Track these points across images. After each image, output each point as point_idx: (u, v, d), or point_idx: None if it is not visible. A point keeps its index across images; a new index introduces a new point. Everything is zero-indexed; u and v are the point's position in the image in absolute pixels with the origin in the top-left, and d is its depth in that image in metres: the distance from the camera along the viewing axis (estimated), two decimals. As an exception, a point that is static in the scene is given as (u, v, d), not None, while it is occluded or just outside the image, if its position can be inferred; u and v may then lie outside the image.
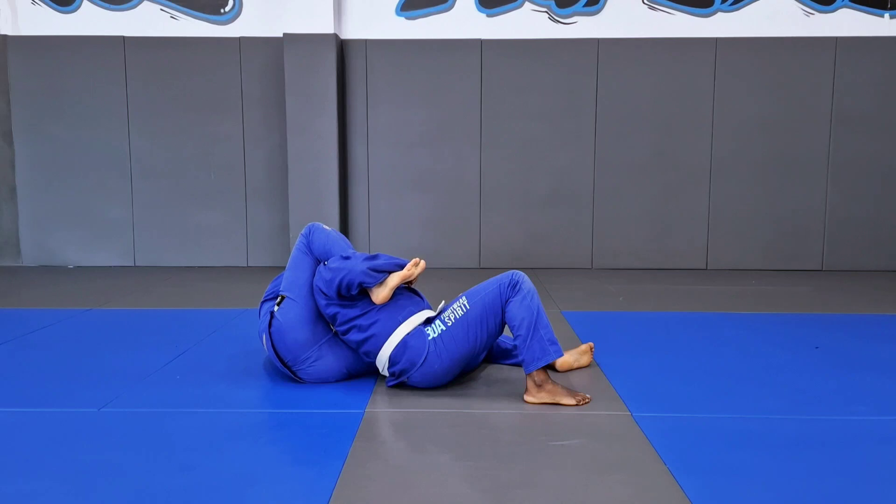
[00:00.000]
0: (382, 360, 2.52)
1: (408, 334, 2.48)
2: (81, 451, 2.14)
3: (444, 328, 2.45)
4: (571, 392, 2.50)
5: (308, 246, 2.66)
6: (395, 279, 2.49)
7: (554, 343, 2.46)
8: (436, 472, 2.00)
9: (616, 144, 5.91)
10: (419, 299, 2.62)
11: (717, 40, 5.81)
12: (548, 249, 6.01)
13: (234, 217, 6.05)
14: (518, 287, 2.44)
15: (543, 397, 2.48)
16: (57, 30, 5.89)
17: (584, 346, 2.96)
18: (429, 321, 2.52)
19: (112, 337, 3.50)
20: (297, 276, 2.63)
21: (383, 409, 2.46)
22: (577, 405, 2.47)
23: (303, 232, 2.70)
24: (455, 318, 2.45)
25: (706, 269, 5.99)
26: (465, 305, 2.44)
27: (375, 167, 5.99)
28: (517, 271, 2.52)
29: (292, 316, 2.57)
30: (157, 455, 2.11)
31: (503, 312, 2.45)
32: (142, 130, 5.97)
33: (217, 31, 5.89)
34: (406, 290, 2.62)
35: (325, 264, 2.55)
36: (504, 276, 2.48)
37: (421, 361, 2.47)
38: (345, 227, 6.00)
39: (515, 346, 2.57)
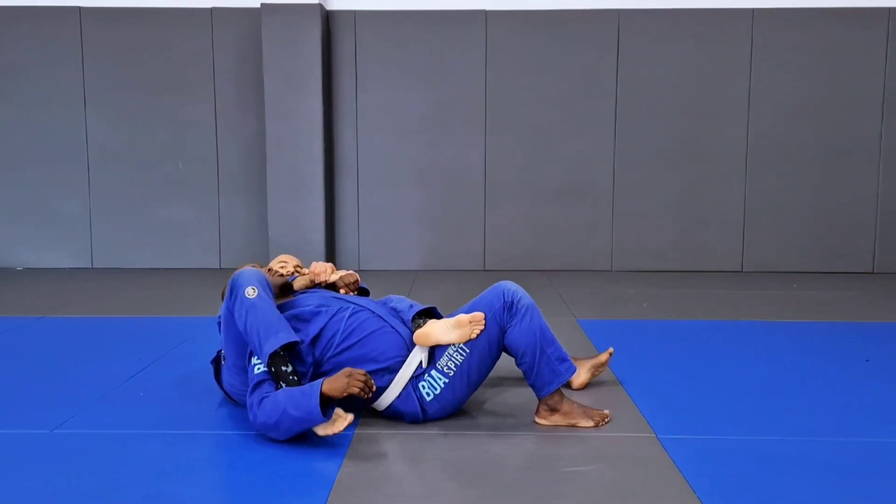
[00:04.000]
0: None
1: (397, 399, 2.47)
2: (31, 477, 2.13)
3: (446, 382, 2.44)
4: (589, 412, 2.50)
5: (230, 312, 2.48)
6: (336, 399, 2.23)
7: (564, 360, 2.46)
8: (435, 502, 2.00)
9: (639, 131, 5.92)
10: (390, 337, 2.48)
11: (754, 11, 5.82)
12: (561, 250, 6.02)
13: (205, 212, 6.06)
14: (514, 309, 2.42)
15: (557, 420, 2.48)
16: None
17: (602, 356, 2.95)
18: (422, 365, 2.45)
19: (67, 349, 3.49)
20: (230, 343, 2.56)
21: (374, 428, 2.46)
22: (595, 427, 2.48)
23: (228, 286, 2.49)
24: (455, 365, 2.43)
25: (741, 271, 5.99)
26: (463, 349, 2.43)
27: (366, 157, 5.99)
28: (507, 286, 2.48)
29: (234, 382, 2.60)
30: (117, 483, 2.10)
31: (502, 337, 2.46)
32: (100, 114, 5.97)
33: (186, 0, 5.90)
34: (367, 314, 2.51)
35: (249, 394, 2.34)
36: (495, 299, 2.44)
37: (422, 420, 2.49)
38: (331, 225, 6.01)
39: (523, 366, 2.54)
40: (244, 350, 2.51)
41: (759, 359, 3.35)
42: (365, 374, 2.24)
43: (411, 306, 2.63)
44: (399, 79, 5.92)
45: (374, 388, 2.32)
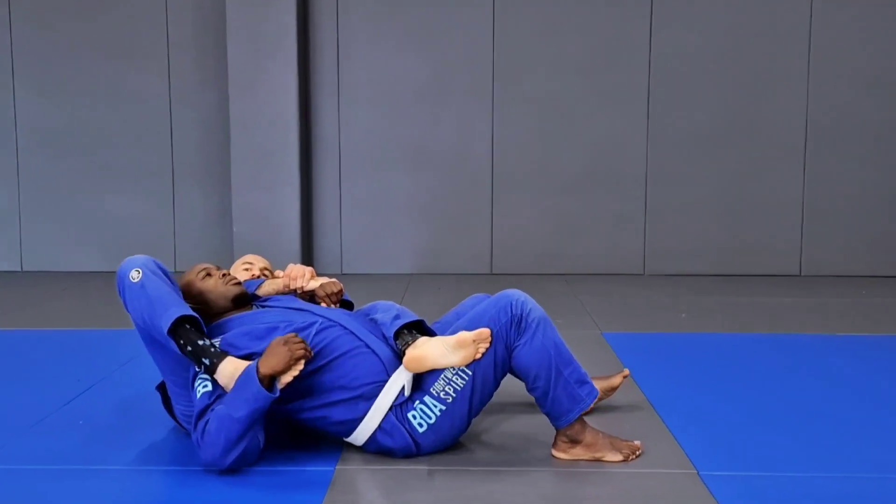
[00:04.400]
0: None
1: (380, 432, 2.45)
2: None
3: (443, 409, 2.42)
4: (617, 443, 2.50)
5: (127, 310, 2.51)
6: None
7: (584, 382, 2.45)
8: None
9: (677, 107, 5.92)
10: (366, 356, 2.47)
11: (814, -36, 5.83)
12: (584, 250, 6.02)
13: (156, 205, 6.06)
14: (523, 325, 2.41)
15: (579, 453, 2.48)
16: (-84, -50, 5.90)
17: (615, 379, 2.95)
18: (404, 392, 2.43)
19: (-9, 368, 3.49)
20: (156, 356, 2.57)
21: (358, 465, 2.46)
22: (624, 461, 2.48)
23: (116, 284, 2.52)
24: (455, 390, 2.41)
25: (799, 274, 6.00)
26: (465, 372, 2.42)
27: (350, 137, 5.99)
28: (514, 295, 2.47)
29: (184, 405, 2.59)
30: (53, 528, 2.11)
31: (510, 359, 2.46)
32: (31, 87, 5.97)
33: (134, -49, 5.91)
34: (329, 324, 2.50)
35: (193, 428, 2.33)
36: (500, 312, 2.43)
37: (415, 453, 2.48)
38: (307, 219, 6.01)
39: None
40: (177, 361, 2.50)
41: (821, 380, 3.35)
42: (294, 335, 2.31)
43: (397, 317, 2.61)
44: (390, 43, 5.92)
45: (311, 354, 2.33)
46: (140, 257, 2.52)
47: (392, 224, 6.06)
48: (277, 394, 2.27)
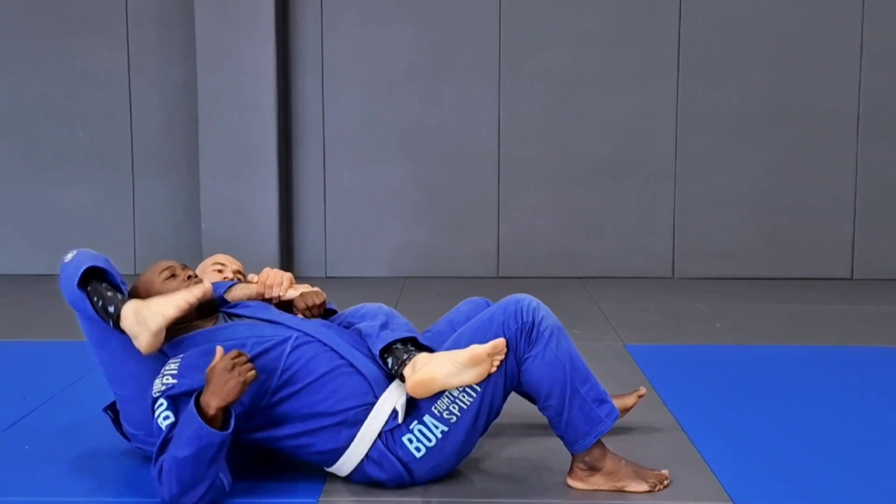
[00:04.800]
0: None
1: (367, 462, 2.45)
2: None
3: (445, 431, 2.41)
4: (642, 472, 2.50)
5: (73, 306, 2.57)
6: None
7: (604, 401, 2.45)
8: None
9: (710, 86, 5.92)
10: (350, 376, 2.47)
11: (868, -78, 5.83)
12: (604, 249, 6.02)
13: (113, 199, 6.06)
14: (535, 334, 2.41)
15: (598, 483, 2.47)
16: None
17: (628, 399, 2.93)
18: (397, 416, 2.42)
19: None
20: (110, 364, 2.60)
21: (344, 497, 2.45)
22: (650, 492, 2.48)
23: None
24: (461, 409, 2.40)
25: (851, 278, 6.00)
26: (474, 388, 2.41)
27: (335, 120, 5.99)
28: (523, 301, 2.46)
29: (134, 418, 2.59)
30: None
31: (519, 374, 2.46)
32: (-30, 62, 5.98)
33: None
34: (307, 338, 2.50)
35: (154, 462, 2.30)
36: (508, 319, 2.43)
37: (408, 483, 2.47)
38: (287, 214, 6.01)
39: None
40: (129, 363, 2.50)
41: (875, 400, 3.34)
42: (237, 353, 2.28)
43: (384, 325, 2.60)
44: (381, 12, 5.93)
45: (256, 373, 2.30)
46: (78, 252, 2.58)
47: (384, 220, 6.05)
48: (230, 430, 2.23)
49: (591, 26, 5.90)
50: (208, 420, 2.21)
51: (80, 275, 2.44)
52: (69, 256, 2.55)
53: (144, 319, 2.35)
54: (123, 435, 2.71)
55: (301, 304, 2.73)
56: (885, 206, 5.97)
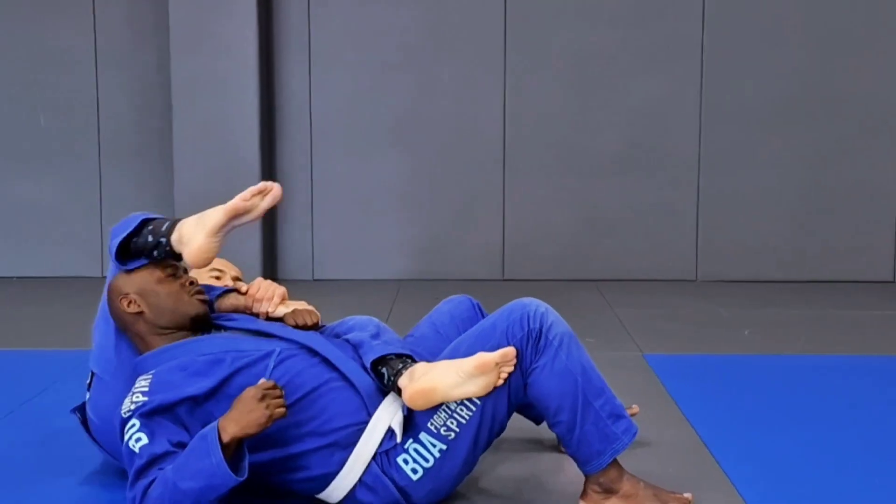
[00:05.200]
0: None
1: (359, 487, 2.44)
2: None
3: (443, 449, 2.41)
4: (662, 494, 2.50)
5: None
6: None
7: (620, 417, 2.45)
8: None
9: (738, 68, 5.94)
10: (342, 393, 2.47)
11: None
12: (621, 249, 6.04)
13: (78, 193, 6.07)
14: (542, 343, 2.40)
15: (614, 506, 2.51)
16: None
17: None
18: (394, 435, 2.42)
19: None
20: (104, 339, 2.65)
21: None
22: (671, 516, 2.50)
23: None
24: (459, 424, 2.40)
25: (893, 281, 6.01)
26: (472, 402, 2.41)
27: (323, 107, 6.01)
28: (530, 305, 2.46)
29: (109, 402, 2.57)
30: None
31: (525, 387, 2.46)
32: (-80, 42, 6.00)
33: None
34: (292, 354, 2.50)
35: (129, 488, 2.29)
36: (514, 326, 2.43)
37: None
38: (271, 210, 5.96)
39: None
40: (121, 347, 2.57)
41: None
42: (272, 384, 2.26)
43: (375, 336, 2.61)
44: (374, -12, 5.95)
45: (284, 414, 2.28)
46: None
47: (377, 217, 6.07)
48: (245, 476, 2.21)
49: (605, 2, 5.92)
50: (224, 444, 2.19)
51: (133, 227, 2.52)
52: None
53: (203, 217, 2.44)
54: (89, 434, 2.72)
55: (291, 321, 2.72)
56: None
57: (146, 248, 2.51)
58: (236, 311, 2.76)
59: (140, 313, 2.53)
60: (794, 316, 5.06)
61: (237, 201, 2.52)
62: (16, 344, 4.36)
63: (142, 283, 2.57)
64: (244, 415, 2.21)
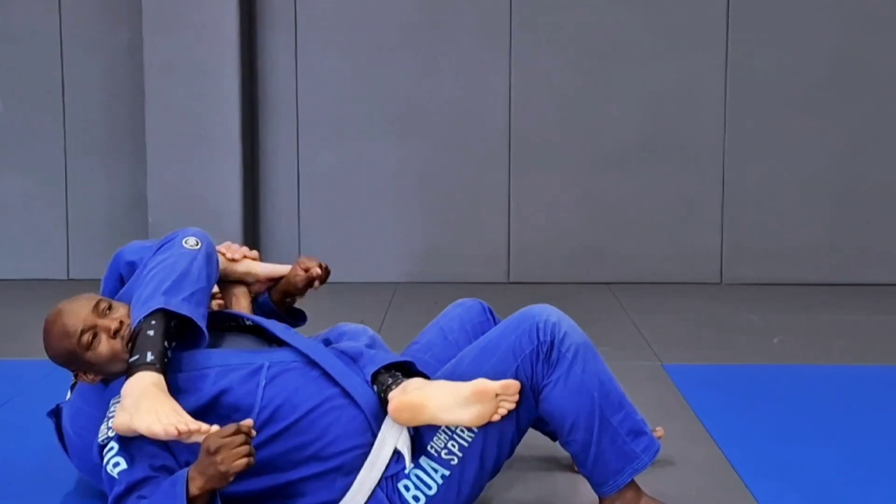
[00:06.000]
0: None
1: None
2: None
3: (446, 475, 2.41)
4: (682, 517, 2.54)
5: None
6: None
7: (640, 434, 2.45)
8: None
9: (766, 48, 5.94)
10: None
11: None
12: (638, 249, 6.05)
13: (42, 186, 6.08)
14: (555, 356, 2.40)
15: (633, 531, 2.51)
16: None
17: None
18: (402, 460, 2.42)
19: None
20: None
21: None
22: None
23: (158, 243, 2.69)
24: (461, 448, 2.39)
25: (938, 285, 6.03)
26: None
27: (312, 93, 6.02)
28: (542, 314, 2.45)
29: (83, 423, 2.59)
30: None
31: (536, 404, 2.46)
32: None
33: None
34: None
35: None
36: (523, 337, 2.42)
37: None
38: (252, 206, 6.03)
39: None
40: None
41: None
42: (236, 429, 2.16)
43: (370, 345, 2.61)
44: (367, -37, 5.96)
45: (252, 459, 2.19)
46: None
47: (371, 214, 6.08)
48: None
49: (621, -21, 5.94)
50: (192, 496, 2.17)
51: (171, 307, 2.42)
52: (194, 244, 2.62)
53: (135, 407, 2.25)
54: (62, 443, 2.72)
55: (299, 272, 2.85)
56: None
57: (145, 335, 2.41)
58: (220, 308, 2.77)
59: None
60: (828, 322, 5.05)
61: (164, 433, 2.22)
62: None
63: (76, 360, 2.52)
64: (204, 469, 2.17)
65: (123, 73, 6.01)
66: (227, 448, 2.13)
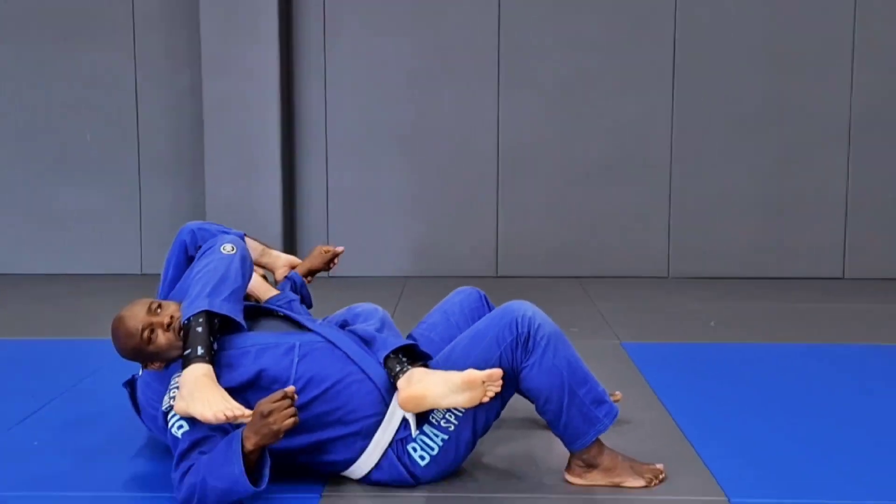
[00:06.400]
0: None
1: (375, 470, 2.46)
2: None
3: (445, 439, 2.43)
4: (638, 467, 2.51)
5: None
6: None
7: (601, 402, 2.46)
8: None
9: (706, 90, 5.92)
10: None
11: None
12: (601, 249, 6.02)
13: (121, 200, 6.06)
14: (531, 344, 2.40)
15: (595, 478, 2.49)
16: None
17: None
18: (409, 426, 2.43)
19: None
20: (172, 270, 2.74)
21: (347, 491, 2.47)
22: (647, 487, 2.49)
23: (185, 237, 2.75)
24: (457, 417, 2.40)
25: (843, 277, 5.99)
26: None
27: (338, 123, 6.00)
28: (519, 310, 2.45)
29: (149, 396, 2.60)
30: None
31: (517, 383, 2.46)
32: (-20, 66, 5.99)
33: (95, -86, 5.91)
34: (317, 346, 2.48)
35: (174, 469, 2.29)
36: (504, 330, 2.42)
37: (412, 485, 2.47)
38: (290, 215, 6.01)
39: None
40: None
41: (867, 396, 3.34)
42: (283, 395, 2.19)
43: (380, 329, 2.60)
44: (382, 18, 5.93)
45: (297, 419, 2.21)
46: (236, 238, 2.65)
47: (385, 220, 6.06)
48: (263, 486, 2.22)
49: (588, 32, 5.90)
50: (246, 452, 2.19)
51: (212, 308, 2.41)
52: (230, 249, 2.58)
53: (190, 396, 2.26)
54: (135, 406, 2.73)
55: (318, 262, 3.05)
56: (875, 207, 5.96)
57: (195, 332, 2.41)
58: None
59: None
60: (754, 309, 5.04)
61: (214, 418, 2.23)
62: (65, 333, 4.35)
63: (142, 352, 2.53)
64: (258, 429, 2.19)
65: (186, 109, 5.99)
66: (277, 411, 2.16)
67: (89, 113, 6.01)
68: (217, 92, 5.74)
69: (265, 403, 2.18)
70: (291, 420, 2.18)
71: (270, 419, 2.16)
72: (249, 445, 2.19)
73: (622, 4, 5.89)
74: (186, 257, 2.76)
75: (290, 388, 2.23)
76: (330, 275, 6.01)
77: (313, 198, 6.06)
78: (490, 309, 2.81)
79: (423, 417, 2.43)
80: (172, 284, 2.74)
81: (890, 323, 4.66)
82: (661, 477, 2.52)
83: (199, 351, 2.33)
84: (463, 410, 2.41)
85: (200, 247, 2.71)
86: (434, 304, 2.93)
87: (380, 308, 2.74)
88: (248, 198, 5.79)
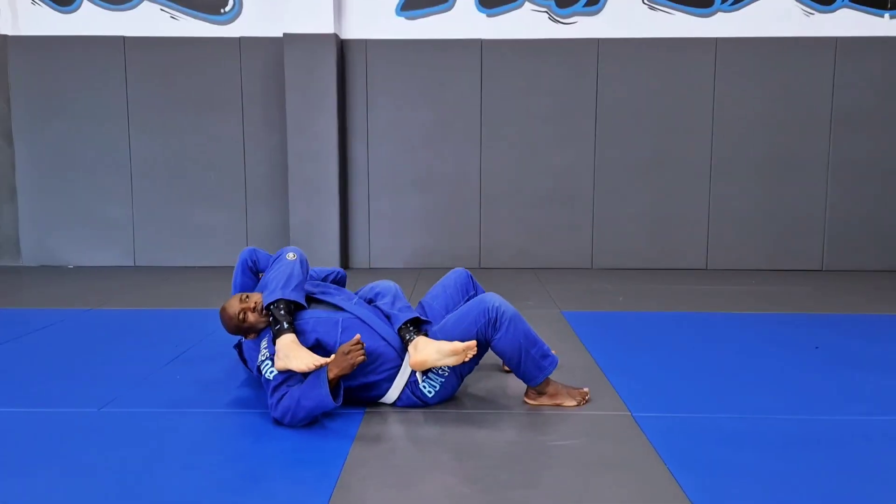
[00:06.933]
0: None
1: (398, 402, 2.46)
2: (82, 450, 2.14)
3: (442, 381, 2.44)
4: (572, 392, 2.52)
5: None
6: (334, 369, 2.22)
7: (546, 356, 2.46)
8: (435, 472, 2.01)
9: (616, 144, 5.92)
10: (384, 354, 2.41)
11: (717, 40, 5.82)
12: (548, 249, 6.02)
13: (234, 217, 6.06)
14: (498, 324, 2.39)
15: (544, 401, 2.50)
16: (57, 30, 5.90)
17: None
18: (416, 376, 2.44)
19: (112, 337, 3.50)
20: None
21: (380, 410, 2.47)
22: (577, 405, 2.49)
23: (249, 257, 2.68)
24: (449, 368, 2.43)
25: (706, 269, 5.99)
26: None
27: (375, 166, 6.00)
28: (490, 302, 2.41)
29: (251, 356, 2.58)
30: (157, 454, 2.12)
31: (488, 348, 2.47)
32: (142, 130, 5.97)
33: (217, 30, 5.90)
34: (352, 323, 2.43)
35: (269, 396, 2.28)
36: (480, 315, 2.40)
37: (423, 406, 2.47)
38: (345, 227, 6.01)
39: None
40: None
41: (722, 346, 3.35)
42: (356, 341, 2.24)
43: (394, 302, 2.58)
44: (405, 98, 5.92)
45: (365, 357, 2.24)
46: (297, 250, 2.59)
47: (406, 230, 6.05)
48: (340, 402, 2.24)
49: (539, 106, 5.89)
50: (329, 379, 2.21)
51: (285, 296, 2.40)
52: (292, 256, 2.54)
53: (287, 356, 2.27)
54: (244, 361, 2.72)
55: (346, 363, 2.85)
56: (727, 222, 5.95)
57: (278, 314, 2.40)
58: None
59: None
60: (648, 289, 5.04)
61: (305, 367, 2.26)
62: (196, 305, 4.35)
63: (242, 324, 2.53)
64: (339, 363, 2.23)
65: (277, 159, 5.98)
66: (354, 351, 2.22)
67: (212, 160, 6.01)
68: (297, 147, 5.73)
69: (345, 346, 2.23)
70: (362, 357, 2.23)
71: (349, 356, 2.21)
72: (331, 375, 2.21)
73: (562, 90, 5.88)
74: (247, 268, 2.73)
75: (357, 336, 2.26)
76: (371, 266, 6.06)
77: (360, 217, 6.06)
78: (474, 285, 2.80)
79: (427, 369, 2.43)
80: (242, 286, 2.72)
81: (736, 299, 4.66)
82: (587, 398, 2.53)
83: (285, 325, 2.35)
84: (451, 367, 2.43)
85: (256, 261, 2.71)
86: (441, 278, 2.92)
87: (392, 284, 2.72)
88: (317, 218, 5.78)
